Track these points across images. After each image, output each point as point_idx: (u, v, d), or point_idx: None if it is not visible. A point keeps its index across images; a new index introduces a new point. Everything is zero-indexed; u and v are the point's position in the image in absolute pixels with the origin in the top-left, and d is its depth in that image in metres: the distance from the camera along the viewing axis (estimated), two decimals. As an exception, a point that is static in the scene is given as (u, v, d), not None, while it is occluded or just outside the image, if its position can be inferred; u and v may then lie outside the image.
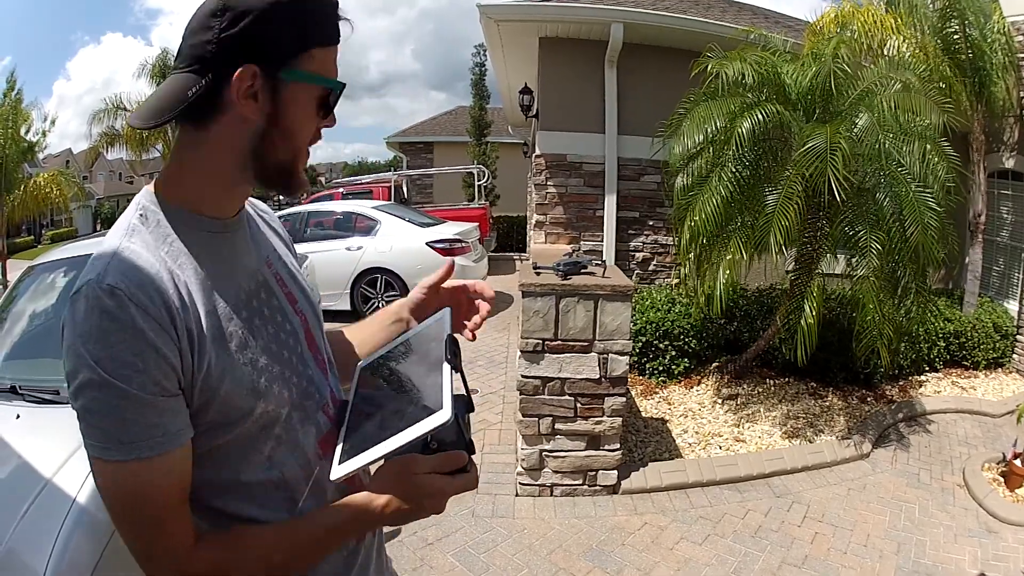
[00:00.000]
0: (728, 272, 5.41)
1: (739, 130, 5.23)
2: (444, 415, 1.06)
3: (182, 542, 1.06)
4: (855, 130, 5.12)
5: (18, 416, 2.88)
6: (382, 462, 1.14)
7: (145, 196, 1.14)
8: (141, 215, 1.11)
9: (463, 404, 1.14)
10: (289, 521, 1.17)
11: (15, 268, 15.63)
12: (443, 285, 1.55)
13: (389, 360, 1.39)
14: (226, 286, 1.15)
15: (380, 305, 10.02)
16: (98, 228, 52.89)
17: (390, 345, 1.43)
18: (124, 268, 1.01)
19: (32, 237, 47.59)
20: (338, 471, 1.14)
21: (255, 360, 1.14)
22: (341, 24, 1.17)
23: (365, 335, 1.59)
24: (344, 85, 1.20)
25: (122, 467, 1.00)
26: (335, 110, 1.21)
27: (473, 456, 1.16)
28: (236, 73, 1.05)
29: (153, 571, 1.08)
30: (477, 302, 1.57)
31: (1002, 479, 5.05)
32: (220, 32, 1.06)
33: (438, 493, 1.12)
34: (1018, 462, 4.93)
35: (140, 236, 1.08)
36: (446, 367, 1.16)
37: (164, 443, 1.01)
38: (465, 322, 1.57)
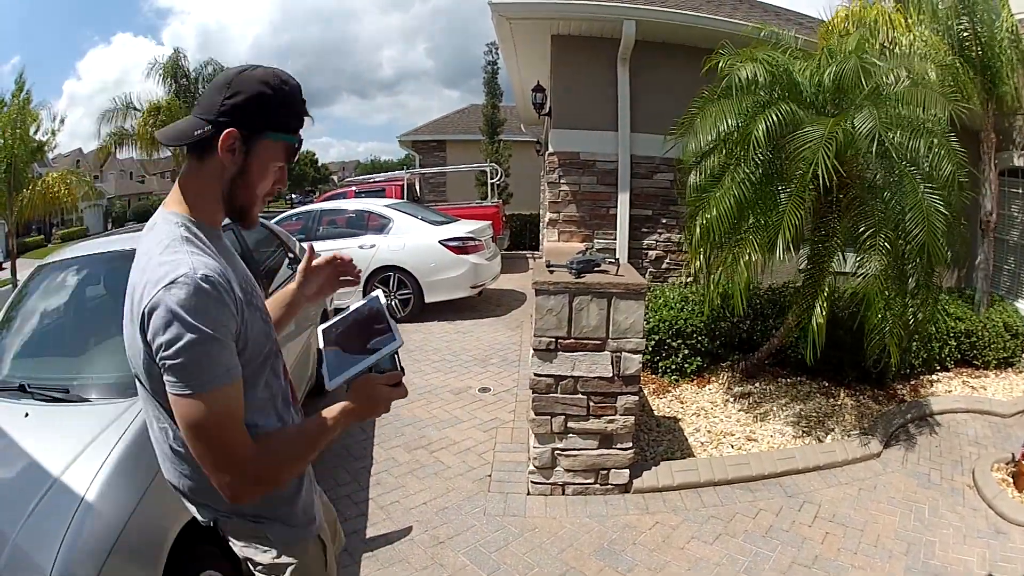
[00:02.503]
0: (746, 273, 5.41)
1: (756, 133, 5.15)
2: (399, 342, 1.82)
3: (244, 444, 1.58)
4: (863, 126, 5.07)
5: (27, 414, 2.92)
6: (351, 380, 1.80)
7: (175, 216, 1.68)
8: (186, 231, 1.64)
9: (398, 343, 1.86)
10: (299, 424, 1.87)
11: (25, 267, 15.72)
12: (313, 264, 2.22)
13: (340, 325, 2.09)
14: (237, 275, 1.71)
15: (393, 303, 10.08)
16: (109, 227, 52.97)
17: (339, 317, 2.12)
18: (205, 265, 1.54)
19: (42, 236, 47.88)
20: (332, 384, 1.79)
21: (259, 319, 1.75)
22: (306, 119, 1.77)
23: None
24: (301, 141, 1.78)
25: (217, 393, 1.51)
26: None
27: (404, 376, 1.87)
28: (224, 133, 1.60)
29: (223, 477, 1.58)
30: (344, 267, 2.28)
31: (1011, 480, 5.05)
32: (223, 100, 1.62)
33: (386, 397, 1.81)
34: (1028, 462, 4.94)
35: (194, 245, 1.61)
36: (392, 322, 1.93)
37: (235, 374, 1.56)
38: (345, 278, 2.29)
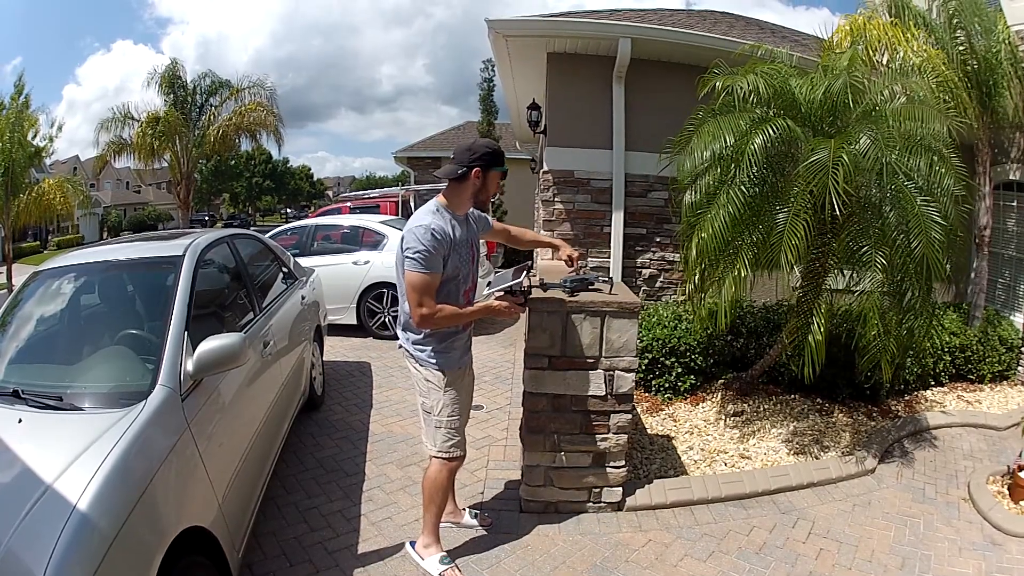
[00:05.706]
0: (733, 288, 5.39)
1: (751, 147, 5.12)
2: (518, 281, 3.83)
3: (433, 305, 3.57)
4: (859, 144, 5.03)
5: (20, 420, 2.90)
6: (499, 294, 3.86)
7: (438, 202, 3.76)
8: (438, 208, 3.71)
9: (528, 288, 4.02)
10: (461, 307, 3.77)
11: (21, 272, 15.63)
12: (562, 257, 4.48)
13: (508, 272, 3.98)
14: (457, 237, 3.71)
15: (386, 321, 10.05)
16: (104, 236, 52.84)
17: (510, 269, 4.00)
18: (435, 224, 3.57)
19: (38, 242, 47.89)
20: (488, 290, 3.91)
21: (459, 258, 3.74)
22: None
23: (524, 240, 4.71)
24: (507, 171, 4.03)
25: (428, 275, 3.52)
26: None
27: (526, 302, 4.03)
28: (473, 171, 3.71)
29: (421, 315, 3.55)
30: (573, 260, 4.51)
31: (1007, 492, 5.06)
32: (470, 156, 3.71)
33: (507, 304, 3.82)
34: (1023, 474, 4.94)
35: (439, 216, 3.66)
36: (525, 273, 3.89)
37: (436, 272, 3.58)
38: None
